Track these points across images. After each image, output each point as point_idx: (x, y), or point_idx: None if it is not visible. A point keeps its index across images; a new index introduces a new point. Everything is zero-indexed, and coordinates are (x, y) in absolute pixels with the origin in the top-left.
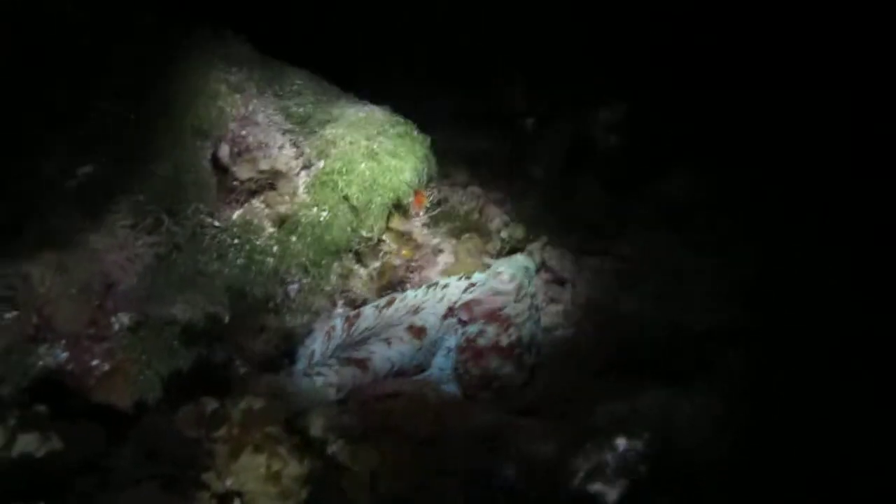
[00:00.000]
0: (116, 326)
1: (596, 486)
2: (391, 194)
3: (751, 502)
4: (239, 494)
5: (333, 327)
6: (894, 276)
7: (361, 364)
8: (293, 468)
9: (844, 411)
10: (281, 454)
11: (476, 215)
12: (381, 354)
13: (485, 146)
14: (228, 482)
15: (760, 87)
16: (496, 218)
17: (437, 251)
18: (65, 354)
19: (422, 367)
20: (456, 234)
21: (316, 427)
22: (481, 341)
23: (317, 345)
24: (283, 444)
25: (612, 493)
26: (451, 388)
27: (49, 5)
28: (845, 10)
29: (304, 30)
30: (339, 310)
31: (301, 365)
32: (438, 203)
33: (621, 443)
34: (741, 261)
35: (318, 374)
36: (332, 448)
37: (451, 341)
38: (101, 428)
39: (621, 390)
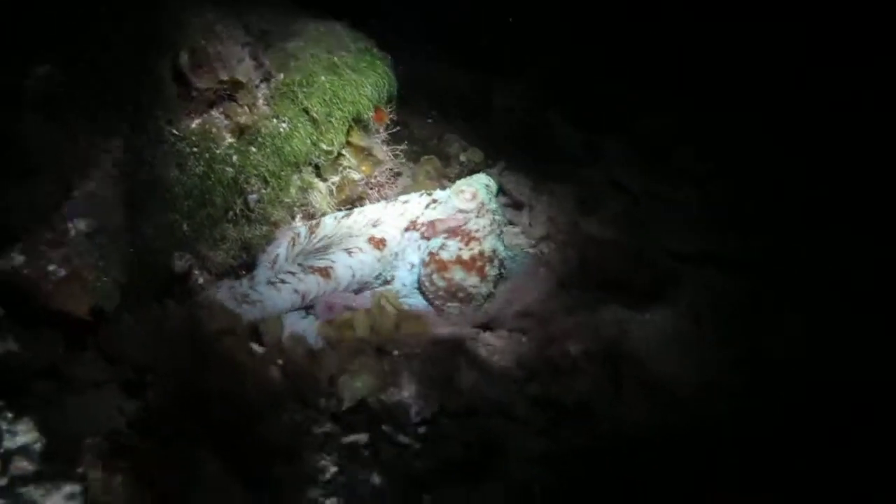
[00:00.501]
0: (73, 232)
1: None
2: (351, 108)
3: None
4: None
5: (297, 234)
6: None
7: (324, 272)
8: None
9: (799, 335)
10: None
11: (435, 141)
12: (343, 263)
13: (451, 75)
14: None
15: (745, 20)
16: (455, 143)
17: (396, 174)
18: (21, 258)
19: (385, 281)
20: (415, 158)
21: (273, 335)
22: (444, 254)
23: (281, 250)
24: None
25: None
26: (417, 301)
27: None
28: None
29: None
30: (298, 222)
31: (262, 271)
32: (397, 125)
33: (574, 348)
34: (712, 193)
35: (283, 281)
36: (293, 354)
37: (414, 257)
38: (59, 334)
39: (579, 306)
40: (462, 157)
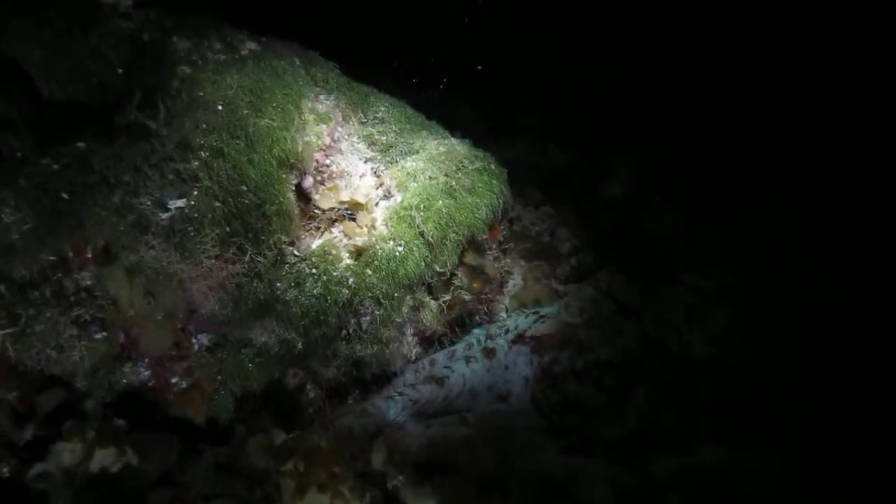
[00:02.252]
0: (196, 346)
1: None
2: (466, 231)
3: None
4: None
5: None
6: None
7: (439, 381)
8: None
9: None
10: (344, 494)
11: (547, 237)
12: (459, 371)
13: (559, 164)
14: None
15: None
16: (566, 242)
17: (507, 273)
18: (147, 372)
19: (500, 396)
20: (526, 256)
21: (378, 460)
22: (556, 368)
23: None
24: (345, 484)
25: None
26: (531, 418)
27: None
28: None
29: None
30: (409, 338)
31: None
32: (511, 223)
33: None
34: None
35: (401, 394)
36: (394, 482)
37: (527, 370)
38: (176, 440)
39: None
40: (573, 261)
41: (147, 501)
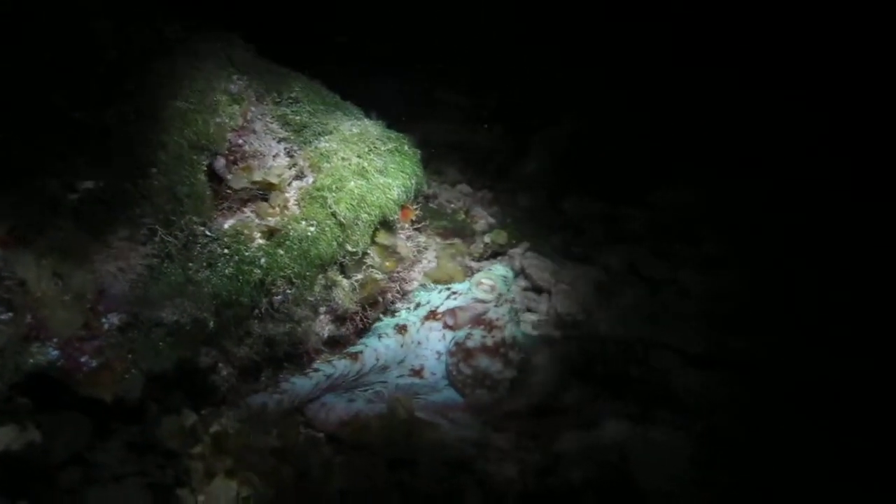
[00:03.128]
0: (106, 326)
1: None
2: (378, 211)
3: None
4: None
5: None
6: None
7: (354, 356)
8: (264, 494)
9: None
10: (252, 482)
11: (462, 216)
12: (372, 346)
13: (480, 143)
14: (201, 499)
15: (767, 89)
16: (481, 220)
17: (422, 251)
18: (56, 352)
19: (413, 369)
20: (442, 234)
21: (293, 436)
22: (469, 343)
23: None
24: (254, 470)
25: None
26: (449, 391)
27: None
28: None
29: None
30: (321, 317)
31: None
32: (427, 199)
33: (576, 475)
34: (727, 284)
35: (315, 370)
36: (307, 464)
37: (440, 345)
38: (88, 420)
39: (584, 419)
40: (487, 239)
41: (57, 481)
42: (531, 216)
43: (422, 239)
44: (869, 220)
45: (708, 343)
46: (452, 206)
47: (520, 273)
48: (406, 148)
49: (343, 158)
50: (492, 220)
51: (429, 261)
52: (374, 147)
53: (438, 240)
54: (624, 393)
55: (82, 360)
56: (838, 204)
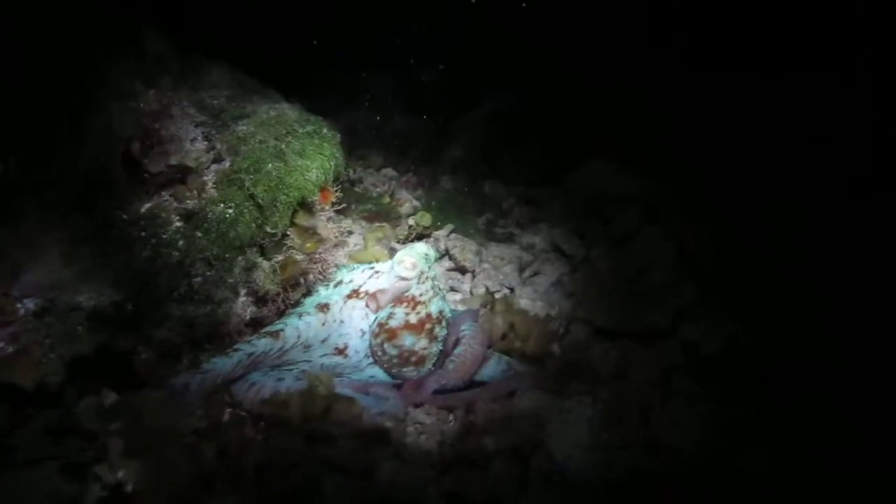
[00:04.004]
0: (22, 311)
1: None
2: (296, 192)
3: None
4: (129, 485)
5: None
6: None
7: (274, 335)
8: (184, 467)
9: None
10: (169, 458)
11: (387, 199)
12: (292, 325)
13: (404, 128)
14: (120, 474)
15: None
16: (406, 203)
17: (348, 233)
18: None
19: (338, 348)
20: (367, 217)
21: (211, 414)
22: (392, 322)
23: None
24: (173, 446)
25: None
26: (373, 370)
27: None
28: None
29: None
30: (242, 299)
31: None
32: (352, 184)
33: (489, 442)
34: (644, 261)
35: (236, 349)
36: (225, 439)
37: (363, 324)
38: (4, 406)
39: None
40: (411, 221)
41: None
42: (455, 199)
43: (347, 223)
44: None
45: (623, 316)
46: (377, 190)
47: (444, 255)
48: (325, 131)
49: (261, 141)
50: (416, 204)
51: (354, 244)
52: (292, 130)
53: (364, 223)
54: (545, 367)
55: None
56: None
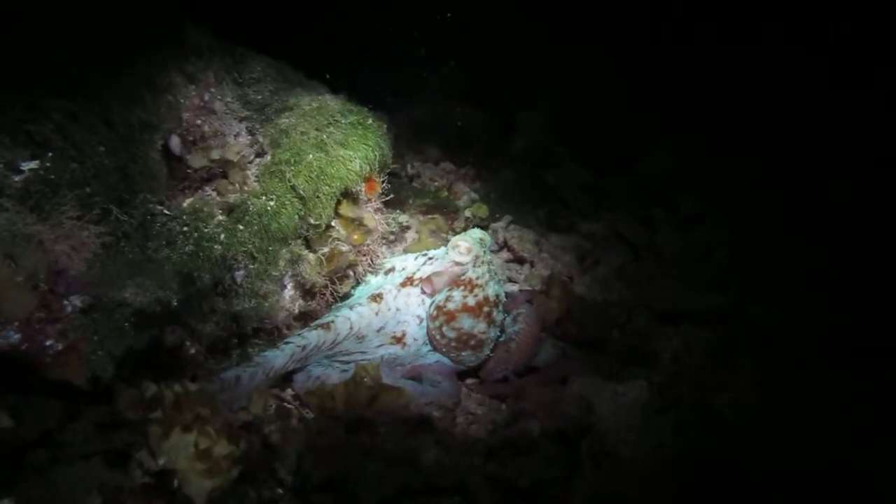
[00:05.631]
0: (69, 309)
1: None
2: (339, 183)
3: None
4: (172, 472)
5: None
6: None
7: (325, 326)
8: (222, 447)
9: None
10: (209, 433)
11: (445, 192)
12: (343, 316)
13: (464, 122)
14: (161, 461)
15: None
16: (464, 196)
17: (404, 228)
18: (17, 335)
19: (395, 336)
20: (424, 211)
21: (259, 405)
22: (450, 305)
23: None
24: (211, 424)
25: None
26: (434, 357)
27: None
28: None
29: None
30: (289, 292)
31: None
32: (410, 179)
33: (534, 427)
34: (708, 244)
35: (287, 342)
36: (268, 428)
37: (420, 310)
38: (58, 403)
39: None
40: (467, 213)
41: (24, 462)
42: (515, 191)
43: (404, 217)
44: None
45: (685, 300)
46: (435, 183)
47: (503, 246)
48: (369, 121)
49: (302, 132)
50: (474, 196)
51: (411, 237)
52: (334, 120)
53: (420, 217)
54: (603, 352)
55: (47, 343)
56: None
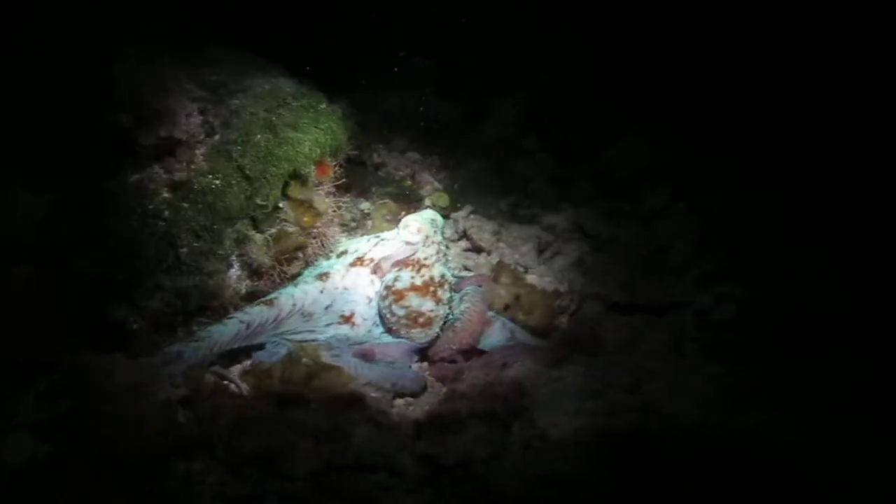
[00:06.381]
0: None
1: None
2: (286, 165)
3: None
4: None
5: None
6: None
7: (268, 303)
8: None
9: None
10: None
11: (409, 181)
12: (287, 293)
13: (432, 111)
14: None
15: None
16: (428, 185)
17: (367, 216)
18: None
19: (343, 315)
20: (393, 198)
21: (193, 381)
22: (398, 284)
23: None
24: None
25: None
26: (381, 333)
27: None
28: None
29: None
30: (235, 271)
31: None
32: (376, 168)
33: (462, 406)
34: (670, 238)
35: (231, 317)
36: (203, 405)
37: (370, 290)
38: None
39: (492, 360)
40: (427, 202)
41: None
42: (480, 181)
43: (366, 205)
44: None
45: (641, 291)
46: (400, 173)
47: (462, 236)
48: (322, 105)
49: (251, 113)
50: (438, 186)
51: (373, 225)
52: (286, 103)
53: (377, 203)
54: (547, 338)
55: None
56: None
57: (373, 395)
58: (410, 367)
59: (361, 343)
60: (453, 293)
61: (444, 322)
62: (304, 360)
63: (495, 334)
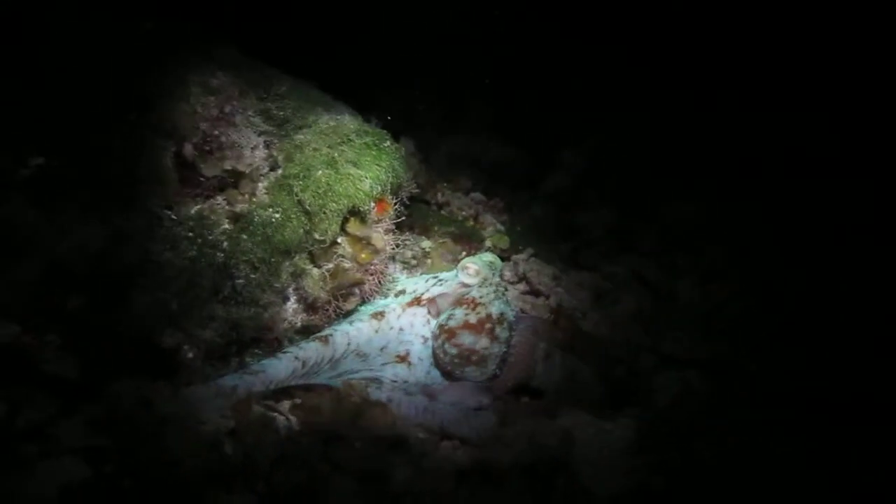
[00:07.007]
0: (69, 305)
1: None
2: (346, 201)
3: None
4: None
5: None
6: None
7: (323, 340)
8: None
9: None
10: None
11: (471, 222)
12: (342, 331)
13: (499, 155)
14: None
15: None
16: (490, 226)
17: (427, 254)
18: (18, 328)
19: (399, 356)
20: (454, 238)
21: (240, 414)
22: (452, 323)
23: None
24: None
25: None
26: (434, 373)
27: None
28: None
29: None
30: (291, 305)
31: None
32: (440, 207)
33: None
34: (727, 295)
35: (286, 352)
36: (248, 438)
37: (425, 330)
38: (53, 397)
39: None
40: (488, 243)
41: (14, 453)
42: (542, 226)
43: (427, 244)
44: (868, 238)
45: (697, 348)
46: (463, 213)
47: (522, 279)
48: (386, 143)
49: (314, 149)
50: (500, 228)
51: (433, 263)
52: (348, 139)
53: (438, 242)
54: (602, 388)
55: (47, 338)
56: (838, 220)
57: (420, 435)
58: (480, 406)
59: (418, 383)
60: (512, 332)
61: (499, 360)
62: (353, 397)
63: (553, 371)
